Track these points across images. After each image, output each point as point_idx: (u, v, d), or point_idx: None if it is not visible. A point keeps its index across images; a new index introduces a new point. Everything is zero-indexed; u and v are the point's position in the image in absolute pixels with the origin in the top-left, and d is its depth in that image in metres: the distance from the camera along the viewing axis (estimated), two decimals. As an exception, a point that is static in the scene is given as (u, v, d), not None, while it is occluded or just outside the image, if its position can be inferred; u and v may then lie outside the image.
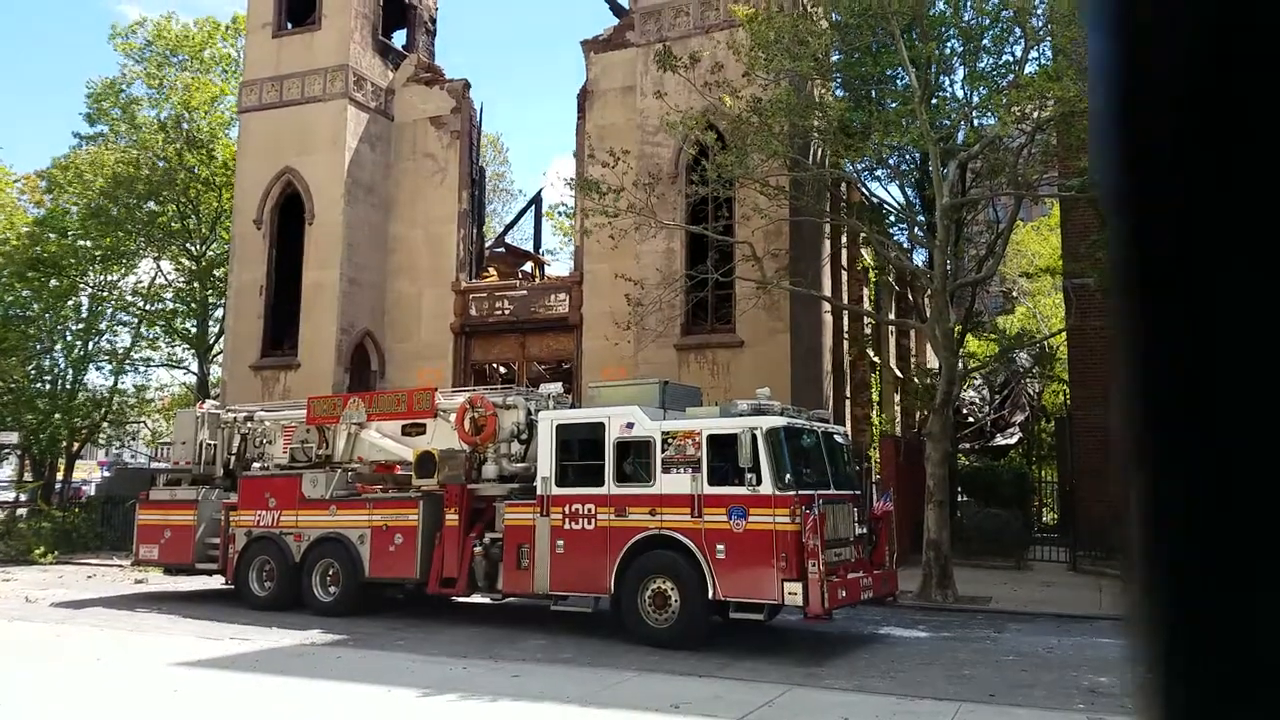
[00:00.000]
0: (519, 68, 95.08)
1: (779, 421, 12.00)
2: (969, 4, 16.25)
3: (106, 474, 39.64)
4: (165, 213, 33.57)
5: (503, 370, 27.70)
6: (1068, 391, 23.19)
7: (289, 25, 27.90)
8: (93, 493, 33.21)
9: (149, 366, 37.29)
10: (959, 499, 21.78)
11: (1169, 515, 0.53)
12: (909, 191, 20.45)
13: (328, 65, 26.73)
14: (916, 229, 20.30)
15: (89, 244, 33.58)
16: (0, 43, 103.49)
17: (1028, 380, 28.97)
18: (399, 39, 29.37)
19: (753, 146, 17.91)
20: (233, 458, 18.12)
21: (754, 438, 11.61)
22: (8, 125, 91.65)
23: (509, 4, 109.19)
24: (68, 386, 34.44)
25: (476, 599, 14.83)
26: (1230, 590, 0.50)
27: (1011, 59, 16.98)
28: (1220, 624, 0.50)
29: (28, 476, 36.29)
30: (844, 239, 24.85)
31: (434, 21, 30.39)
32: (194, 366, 35.79)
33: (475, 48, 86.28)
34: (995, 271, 20.33)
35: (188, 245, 34.03)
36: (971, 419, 28.62)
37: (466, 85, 28.04)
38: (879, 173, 20.64)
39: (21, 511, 29.42)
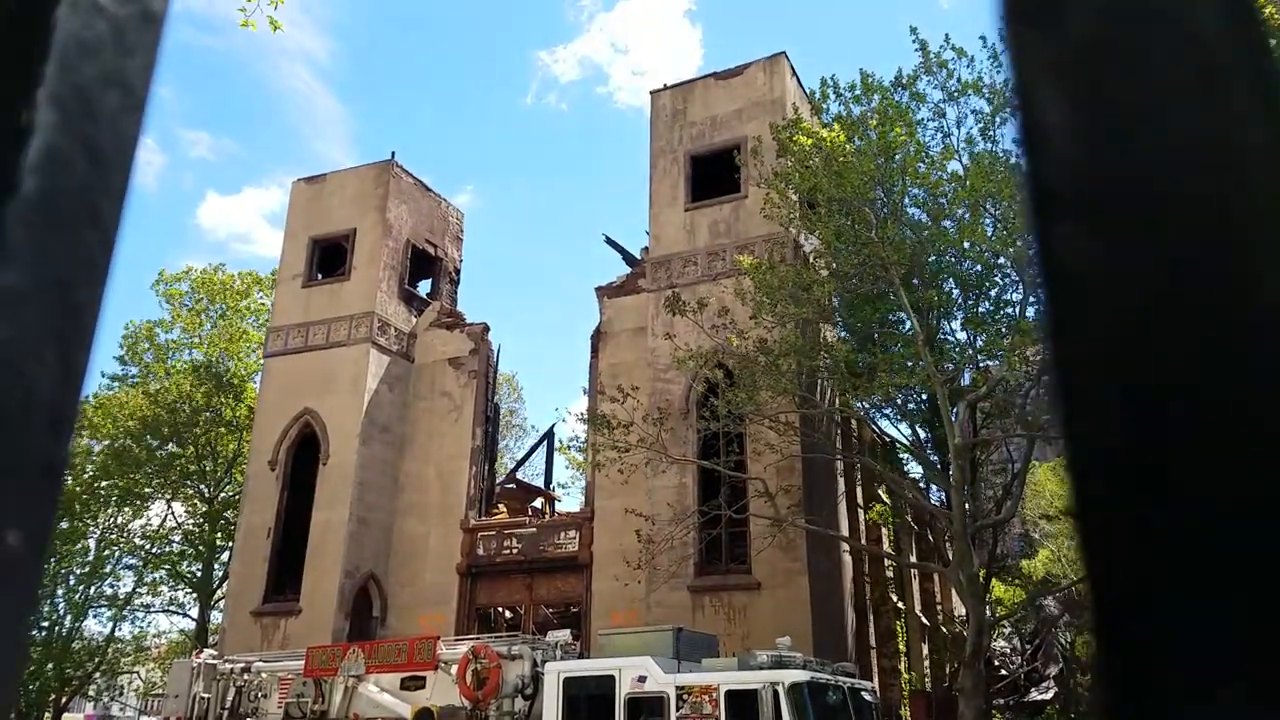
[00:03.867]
0: (536, 310, 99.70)
1: (802, 676, 11.32)
2: (963, 255, 17.08)
3: (91, 728, 37.49)
4: (185, 454, 34.01)
5: (509, 615, 26.73)
6: (1090, 637, 21.97)
7: (319, 276, 29.53)
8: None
9: (149, 613, 36.33)
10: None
11: None
12: (920, 429, 20.56)
13: (354, 312, 27.99)
14: (930, 467, 20.18)
15: (106, 484, 33.76)
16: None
17: (1058, 629, 27.67)
18: (424, 287, 30.96)
19: (761, 384, 18.25)
20: (226, 712, 17.21)
21: (776, 695, 10.92)
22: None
23: (529, 254, 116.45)
24: (63, 634, 33.35)
25: None
26: None
27: (1011, 304, 17.62)
28: None
29: (8, 731, 34.29)
30: (858, 476, 24.70)
31: (458, 272, 32.15)
32: (194, 612, 34.80)
33: (495, 290, 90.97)
34: (1015, 513, 19.99)
35: (202, 487, 34.17)
36: (1004, 671, 27.07)
37: (485, 328, 29.19)
38: (887, 411, 20.85)
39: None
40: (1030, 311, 16.90)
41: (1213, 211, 0.47)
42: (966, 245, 16.27)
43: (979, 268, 17.22)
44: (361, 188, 29.70)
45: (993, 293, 17.87)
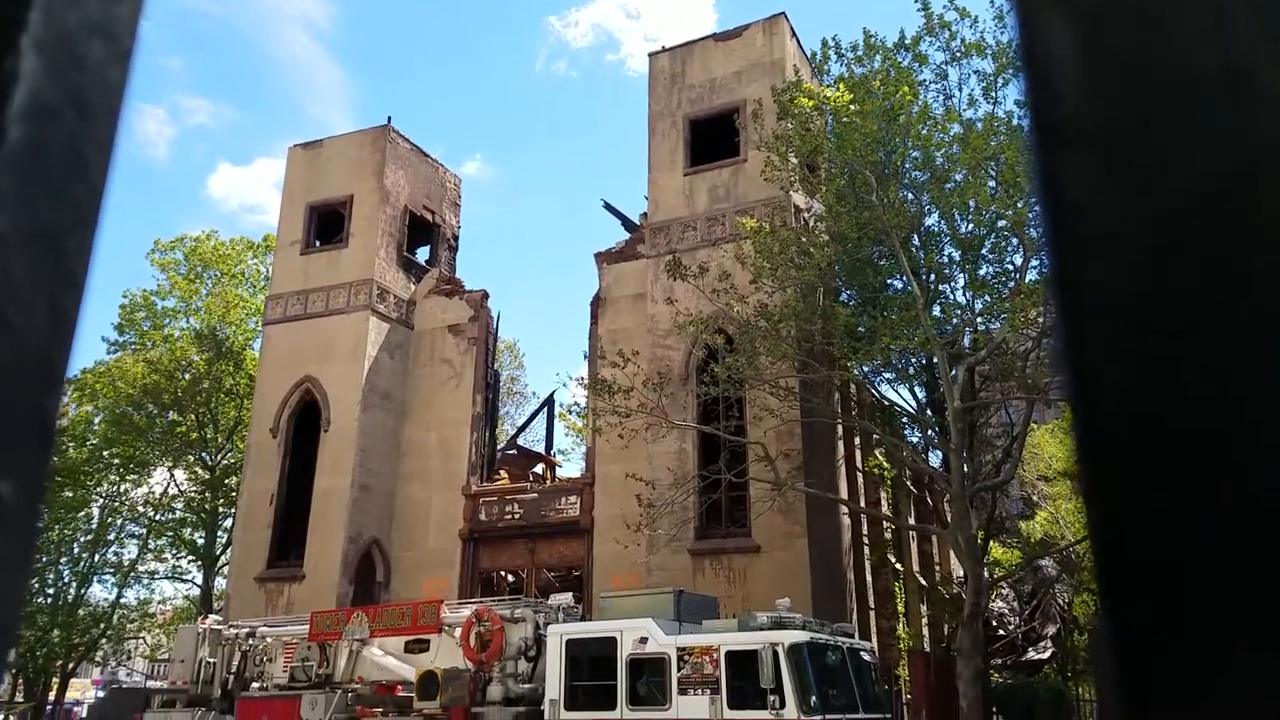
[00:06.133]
0: (543, 277, 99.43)
1: (802, 636, 11.45)
2: (965, 216, 16.98)
3: (100, 693, 38.03)
4: (186, 422, 34.09)
5: (511, 579, 26.98)
6: (1098, 602, 22.19)
7: (317, 243, 29.40)
8: (85, 714, 31.80)
9: (153, 579, 36.67)
10: None
11: None
12: (919, 393, 20.59)
13: (353, 279, 27.91)
14: (930, 430, 20.25)
15: (108, 452, 33.90)
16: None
17: (1056, 590, 27.92)
18: (423, 254, 30.84)
19: (761, 349, 18.27)
20: (232, 677, 17.46)
21: (775, 655, 11.04)
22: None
23: (528, 220, 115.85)
24: (69, 600, 33.69)
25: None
26: None
27: (1012, 267, 17.56)
28: None
29: (19, 696, 34.77)
30: (857, 440, 24.79)
31: (456, 239, 32.00)
32: (199, 579, 35.12)
33: (494, 257, 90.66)
34: (1013, 475, 20.08)
35: (203, 455, 34.29)
36: (1001, 631, 27.36)
37: (485, 295, 29.12)
38: (887, 375, 20.87)
39: (8, 735, 28.00)
40: (1032, 274, 16.84)
41: (1222, 149, 0.46)
42: (971, 205, 16.16)
43: (980, 230, 17.13)
44: (359, 154, 29.46)
45: (994, 256, 17.81)
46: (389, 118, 29.98)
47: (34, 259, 0.49)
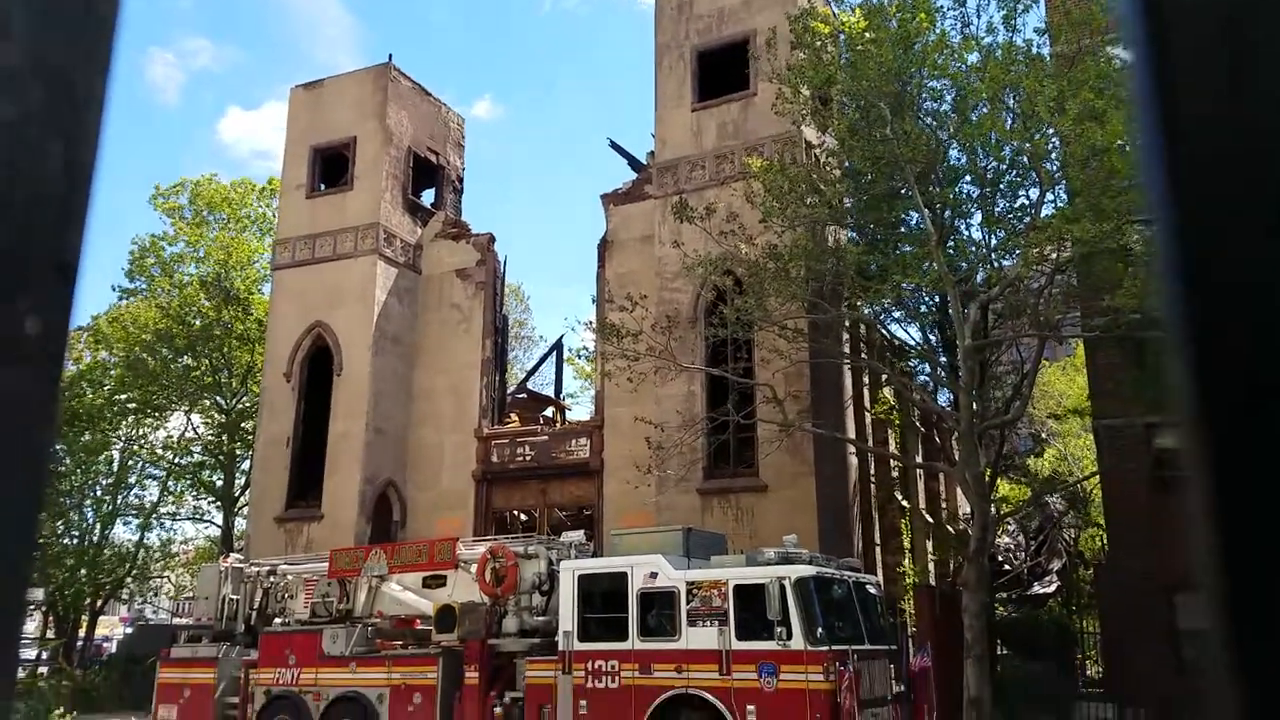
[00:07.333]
0: (552, 219, 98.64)
1: (808, 570, 11.63)
2: (984, 149, 16.67)
3: (128, 630, 39.01)
4: (200, 367, 34.35)
5: (524, 518, 27.36)
6: (1105, 537, 22.41)
7: (322, 187, 29.23)
8: (114, 650, 32.69)
9: (175, 520, 37.31)
10: (999, 652, 20.77)
11: None
12: (930, 332, 20.50)
13: (359, 224, 27.80)
14: (939, 369, 20.23)
15: (124, 397, 34.26)
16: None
17: (1063, 526, 28.15)
18: (428, 197, 30.64)
19: (770, 291, 18.18)
20: (254, 613, 17.91)
21: (783, 588, 11.23)
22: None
23: (533, 161, 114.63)
24: (94, 542, 34.39)
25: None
26: None
27: (1028, 201, 17.31)
28: None
29: (50, 634, 35.69)
30: (865, 380, 24.80)
31: (461, 180, 31.75)
32: (219, 519, 35.72)
33: (502, 199, 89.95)
34: (1023, 413, 20.07)
35: (218, 398, 34.60)
36: (1007, 566, 27.69)
37: (491, 239, 28.99)
38: (897, 314, 20.77)
39: (43, 670, 28.82)
40: (1047, 209, 16.60)
41: None
42: (993, 138, 15.84)
43: (997, 164, 16.82)
44: (360, 93, 29.10)
45: (1009, 190, 17.54)
46: (389, 55, 29.61)
47: (45, 97, 0.50)
